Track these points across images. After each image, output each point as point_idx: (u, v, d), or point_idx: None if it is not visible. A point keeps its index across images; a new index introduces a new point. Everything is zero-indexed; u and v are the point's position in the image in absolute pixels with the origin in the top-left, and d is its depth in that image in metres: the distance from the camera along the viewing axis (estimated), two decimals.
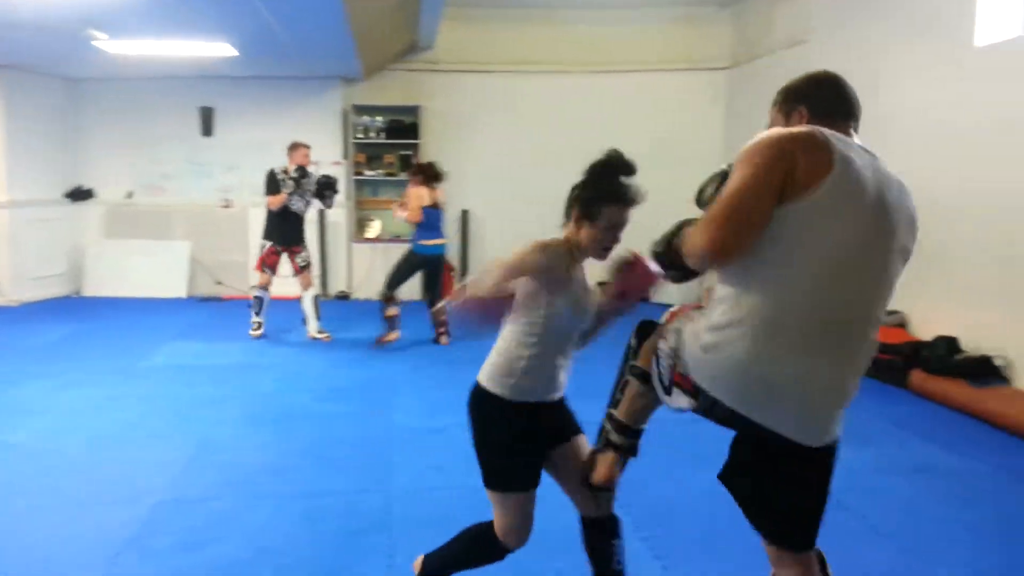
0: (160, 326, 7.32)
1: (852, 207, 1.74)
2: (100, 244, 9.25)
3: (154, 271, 9.09)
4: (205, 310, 8.41)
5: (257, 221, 9.22)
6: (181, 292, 9.09)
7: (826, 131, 1.81)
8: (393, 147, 9.34)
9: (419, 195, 6.51)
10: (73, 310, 8.09)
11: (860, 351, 1.84)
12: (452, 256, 9.59)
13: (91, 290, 8.97)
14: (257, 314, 6.98)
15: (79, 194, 9.19)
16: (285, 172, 6.85)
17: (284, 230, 6.90)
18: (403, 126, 9.30)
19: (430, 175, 6.63)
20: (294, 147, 6.96)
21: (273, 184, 6.84)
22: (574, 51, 9.26)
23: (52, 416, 4.53)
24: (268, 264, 6.92)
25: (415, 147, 9.23)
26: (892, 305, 6.18)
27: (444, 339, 6.76)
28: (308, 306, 6.99)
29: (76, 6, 5.46)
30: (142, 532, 3.12)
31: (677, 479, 3.71)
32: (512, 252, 2.12)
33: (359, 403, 4.99)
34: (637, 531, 3.16)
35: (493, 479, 2.26)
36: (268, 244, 6.92)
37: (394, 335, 6.68)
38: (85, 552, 2.95)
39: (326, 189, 6.95)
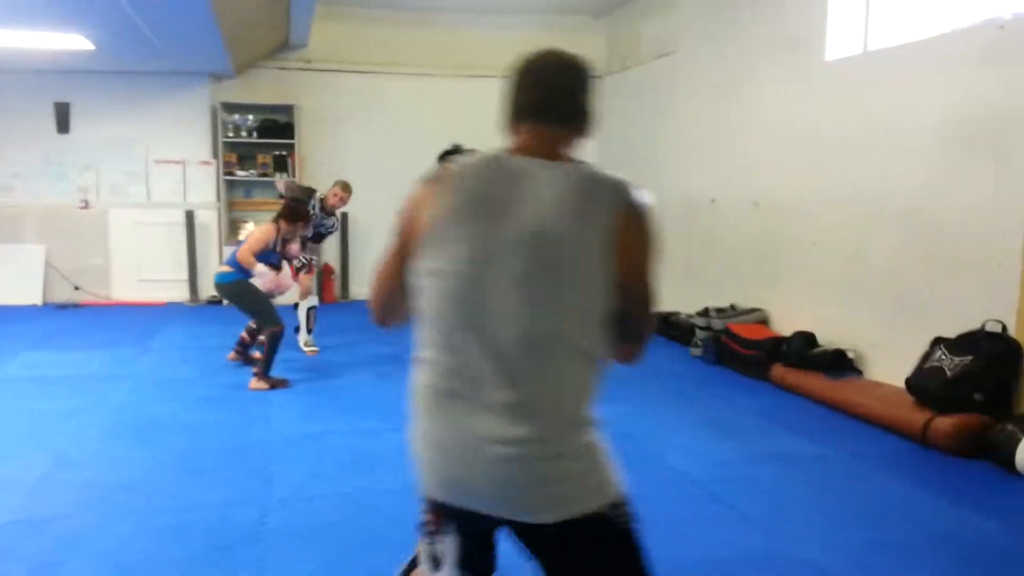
0: (12, 335, 6.79)
1: (453, 240, 1.44)
2: None
3: (5, 276, 8.41)
4: (62, 317, 7.86)
5: (117, 223, 8.75)
6: (36, 299, 8.46)
7: (449, 164, 1.55)
8: (266, 147, 9.05)
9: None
10: None
11: (531, 393, 1.42)
12: (333, 259, 9.40)
13: None
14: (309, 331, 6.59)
15: None
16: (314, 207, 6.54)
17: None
18: (277, 125, 9.04)
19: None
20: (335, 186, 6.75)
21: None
22: (448, 54, 9.29)
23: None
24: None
25: (290, 147, 8.98)
26: (755, 302, 6.56)
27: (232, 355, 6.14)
28: (302, 314, 6.58)
29: None
30: None
31: None
32: None
33: (231, 412, 4.79)
34: None
35: None
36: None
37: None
38: None
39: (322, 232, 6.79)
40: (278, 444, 4.22)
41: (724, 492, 3.62)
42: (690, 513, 3.39)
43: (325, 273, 9.28)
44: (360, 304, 9.10)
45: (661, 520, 3.30)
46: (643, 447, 4.23)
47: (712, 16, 7.10)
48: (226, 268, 5.58)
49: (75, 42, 6.68)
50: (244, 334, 6.06)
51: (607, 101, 9.39)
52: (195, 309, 8.59)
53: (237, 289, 5.51)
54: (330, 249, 9.43)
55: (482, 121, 9.69)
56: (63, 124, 8.63)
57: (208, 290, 8.90)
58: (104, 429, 4.39)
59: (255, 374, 5.39)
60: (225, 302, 6.55)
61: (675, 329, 7.03)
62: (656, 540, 3.08)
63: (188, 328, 7.45)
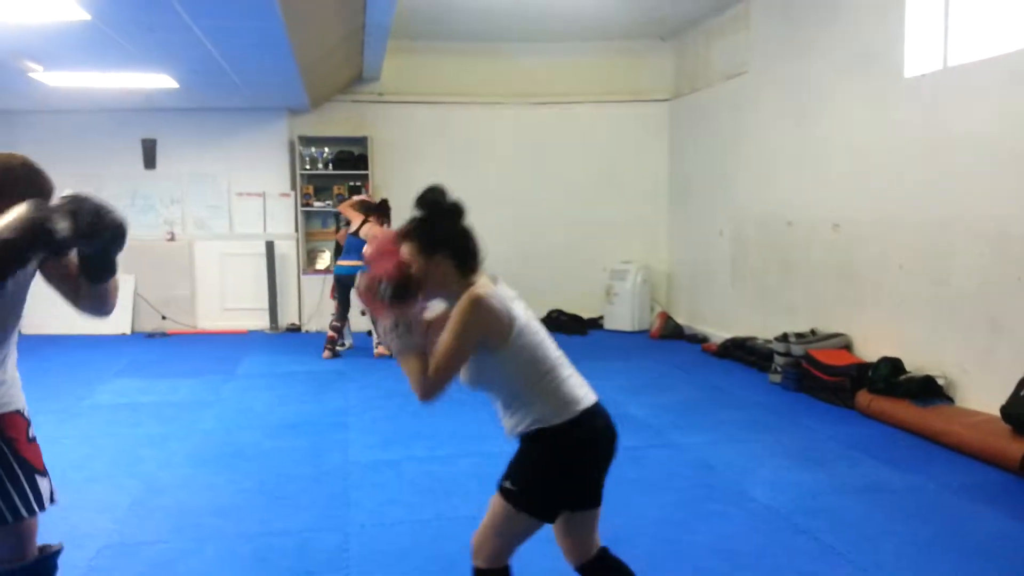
0: (102, 363, 7.10)
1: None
2: (36, 280, 8.94)
3: (117, 295, 8.82)
4: (150, 346, 8.19)
5: (202, 255, 9.11)
6: (125, 328, 8.84)
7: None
8: (342, 178, 9.29)
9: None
10: None
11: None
12: None
13: (29, 327, 8.64)
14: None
15: None
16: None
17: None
18: (352, 157, 9.27)
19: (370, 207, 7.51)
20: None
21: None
22: (519, 82, 9.39)
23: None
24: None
25: (363, 178, 9.20)
26: (836, 327, 6.34)
27: (326, 353, 7.39)
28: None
29: (8, 36, 5.33)
30: None
31: (627, 505, 3.72)
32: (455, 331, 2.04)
33: (311, 438, 4.89)
34: None
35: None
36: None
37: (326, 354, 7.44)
38: None
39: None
40: (356, 470, 4.28)
41: (809, 524, 3.50)
42: (774, 546, 3.29)
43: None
44: None
45: (744, 553, 3.22)
46: (723, 478, 4.13)
47: (784, 35, 7.01)
48: (354, 262, 6.88)
49: (161, 81, 7.02)
50: (331, 333, 7.42)
51: (675, 124, 9.35)
52: (275, 337, 8.83)
53: None
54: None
55: (550, 147, 9.83)
56: (150, 160, 9.06)
57: (288, 318, 9.15)
58: (191, 455, 4.54)
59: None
60: (331, 295, 7.85)
61: (752, 355, 6.88)
62: (743, 574, 3.02)
63: (269, 356, 7.67)
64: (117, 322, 8.83)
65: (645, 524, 3.51)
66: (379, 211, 7.34)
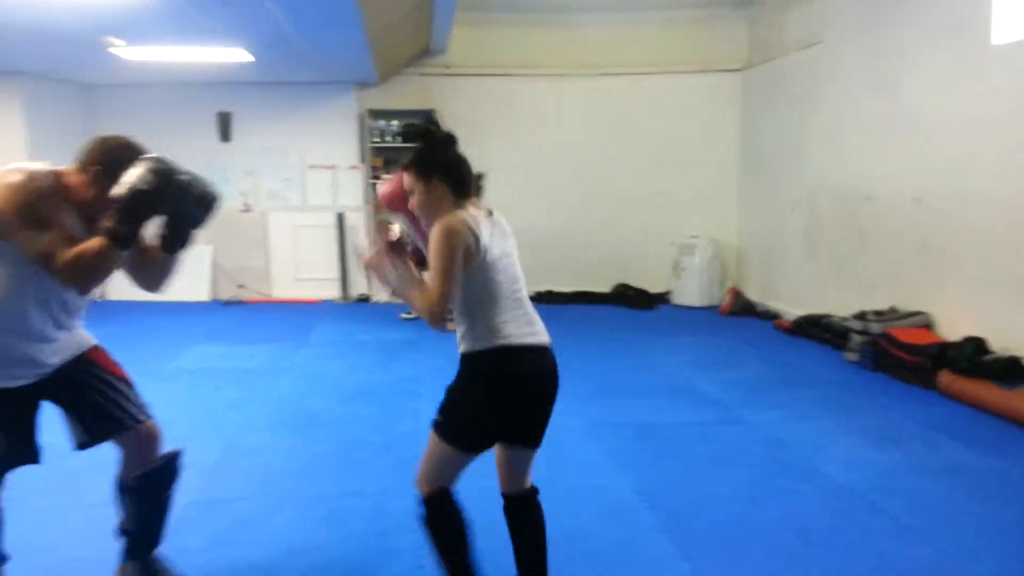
0: (185, 330, 7.38)
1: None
2: None
3: (179, 275, 9.15)
4: (228, 314, 8.47)
5: (276, 226, 9.35)
6: (204, 296, 9.16)
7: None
8: (409, 151, 9.33)
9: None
10: (99, 314, 8.07)
11: None
12: None
13: (116, 294, 9.04)
14: None
15: None
16: None
17: None
18: None
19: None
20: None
21: None
22: (586, 54, 9.27)
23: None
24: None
25: None
26: (916, 305, 6.13)
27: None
28: None
29: (92, 13, 5.51)
30: (174, 531, 3.12)
31: (698, 481, 3.70)
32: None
33: (382, 406, 5.00)
34: (664, 532, 3.16)
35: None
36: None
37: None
38: (115, 550, 2.97)
39: None
40: (426, 438, 4.35)
41: (886, 504, 3.42)
42: (848, 525, 3.23)
43: None
44: None
45: (817, 531, 3.17)
46: (796, 455, 4.07)
47: (863, 2, 6.73)
48: None
49: (237, 55, 7.17)
50: None
51: (747, 95, 9.11)
52: (346, 306, 9.03)
53: None
54: None
55: (618, 119, 9.71)
56: (225, 133, 9.29)
57: (358, 288, 9.33)
58: (269, 419, 4.70)
59: None
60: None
61: (827, 332, 6.71)
62: (815, 551, 2.99)
63: (340, 325, 7.84)
64: (197, 290, 9.15)
65: (714, 500, 3.49)
66: None
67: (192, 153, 9.20)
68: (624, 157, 9.43)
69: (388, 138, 9.36)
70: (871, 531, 3.18)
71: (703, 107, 9.34)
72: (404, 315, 7.91)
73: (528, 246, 9.17)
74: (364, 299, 9.31)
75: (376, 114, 9.31)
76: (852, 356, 6.08)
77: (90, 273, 2.18)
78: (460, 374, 2.27)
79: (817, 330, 6.89)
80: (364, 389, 5.41)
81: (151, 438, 2.56)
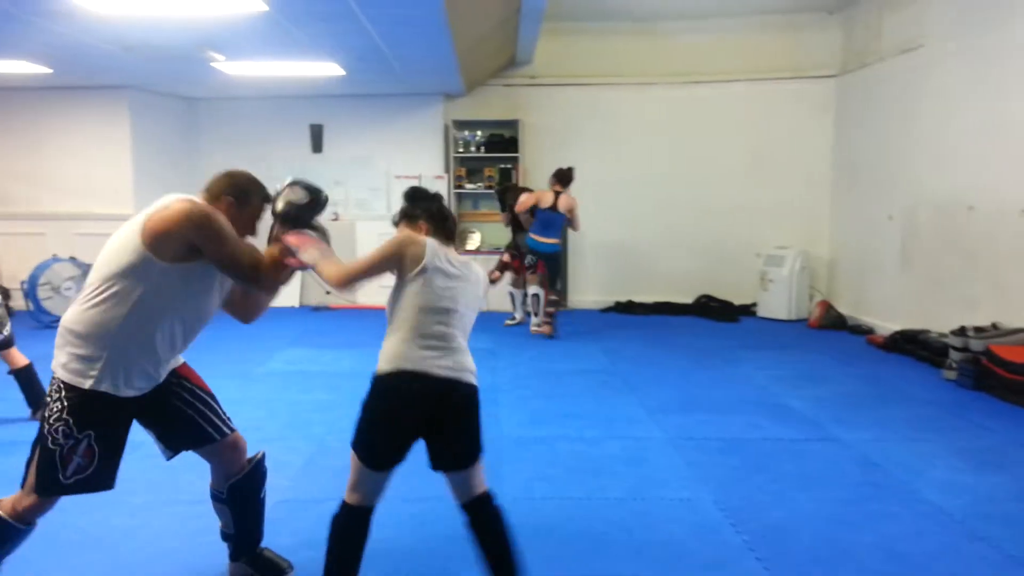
0: (275, 334, 7.63)
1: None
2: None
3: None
4: (316, 319, 8.73)
5: (363, 234, 9.59)
6: (294, 301, 9.47)
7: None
8: (493, 160, 9.46)
9: (538, 195, 7.35)
10: None
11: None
12: None
13: None
14: (535, 314, 7.79)
15: None
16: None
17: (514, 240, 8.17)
18: (503, 140, 9.42)
19: (562, 178, 7.40)
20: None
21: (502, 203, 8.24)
22: (673, 61, 9.18)
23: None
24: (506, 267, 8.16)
25: (514, 160, 9.33)
26: (1020, 321, 5.83)
27: (546, 328, 7.35)
28: (530, 301, 7.83)
29: (197, 30, 5.79)
30: (265, 530, 3.25)
31: (787, 501, 3.59)
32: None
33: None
34: (752, 551, 3.08)
35: None
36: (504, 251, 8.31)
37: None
38: (208, 547, 3.09)
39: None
40: (507, 445, 4.38)
41: (988, 531, 3.25)
42: (948, 552, 3.08)
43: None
44: (582, 312, 9.24)
45: (915, 557, 3.04)
46: (892, 477, 3.90)
47: (967, 5, 6.44)
48: (556, 239, 7.32)
49: (330, 69, 7.41)
50: (550, 309, 7.46)
51: (841, 102, 8.83)
52: None
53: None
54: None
55: (704, 127, 9.57)
56: (317, 144, 9.60)
57: None
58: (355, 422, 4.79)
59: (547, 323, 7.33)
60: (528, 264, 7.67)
61: (924, 348, 6.43)
62: None
63: None
64: (287, 295, 9.46)
65: (806, 520, 3.38)
66: (562, 179, 7.42)
67: (285, 163, 9.58)
68: (710, 165, 9.28)
69: (472, 148, 9.49)
70: (972, 559, 3.02)
71: (794, 114, 9.11)
72: (535, 328, 7.72)
73: (608, 256, 9.14)
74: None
75: (461, 125, 9.44)
76: (950, 374, 5.79)
77: (284, 278, 2.61)
78: (367, 393, 2.41)
79: (913, 346, 6.60)
80: None
81: (239, 448, 2.72)
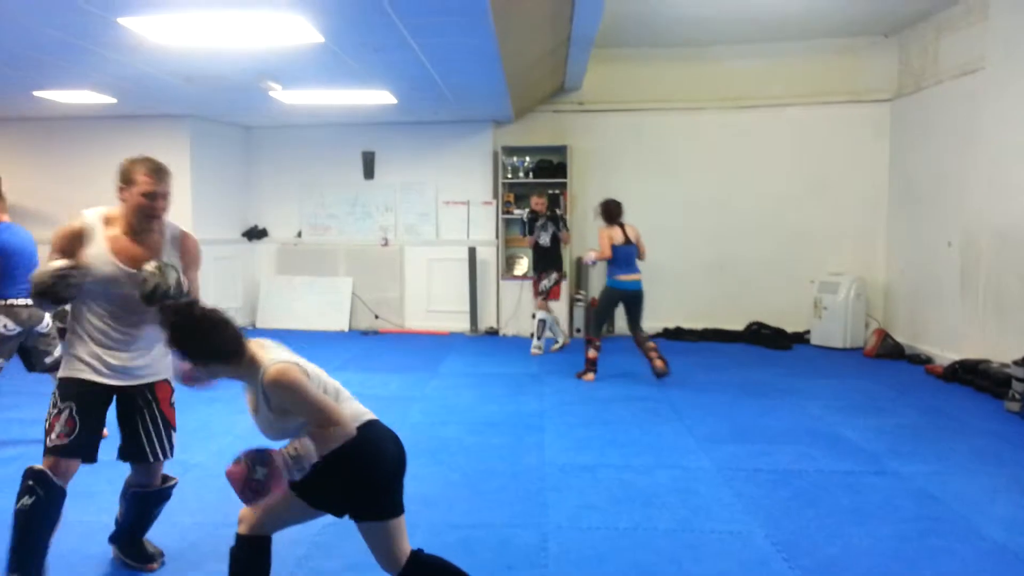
0: (324, 357, 7.64)
1: None
2: (272, 280, 9.95)
3: (320, 306, 9.68)
4: (364, 343, 8.82)
5: (412, 259, 9.70)
6: (343, 326, 9.60)
7: None
8: (541, 186, 9.49)
9: (608, 235, 6.76)
10: None
11: None
12: (597, 292, 9.58)
13: (264, 322, 9.63)
14: (538, 337, 7.95)
15: (255, 233, 9.96)
16: (523, 216, 8.38)
17: (537, 261, 8.27)
18: (551, 165, 9.46)
19: (612, 213, 6.87)
20: (535, 195, 8.50)
21: (530, 227, 8.23)
22: (724, 86, 9.14)
23: (229, 438, 4.86)
24: (536, 291, 8.13)
25: (562, 186, 9.35)
26: None
27: (659, 363, 6.68)
28: (536, 325, 8.02)
29: (255, 60, 5.97)
30: (312, 553, 3.28)
31: (841, 535, 3.49)
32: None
33: (509, 437, 5.03)
34: None
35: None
36: (533, 275, 8.30)
37: (590, 376, 6.80)
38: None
39: (554, 223, 8.19)
40: (553, 472, 4.35)
41: None
42: None
43: (591, 307, 9.47)
44: (629, 339, 9.17)
45: None
46: (952, 511, 3.76)
47: None
48: (637, 275, 6.76)
49: (382, 97, 7.55)
50: (593, 353, 6.82)
51: (897, 126, 8.66)
52: (474, 339, 9.19)
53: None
54: (597, 283, 9.63)
55: (756, 152, 9.48)
56: (369, 170, 9.77)
57: (487, 321, 9.49)
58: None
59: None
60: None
61: (985, 379, 6.21)
62: None
63: (469, 357, 8.00)
64: (337, 319, 9.61)
65: (861, 555, 3.27)
66: (604, 213, 6.87)
67: (338, 189, 9.80)
68: (760, 191, 9.17)
69: (520, 174, 9.55)
70: None
71: (848, 139, 8.97)
72: (534, 350, 7.95)
73: (656, 281, 8.95)
74: (493, 332, 9.45)
75: (509, 151, 9.51)
76: (1013, 405, 5.58)
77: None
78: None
79: (974, 376, 6.38)
80: (492, 420, 5.47)
81: (158, 471, 3.07)
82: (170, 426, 3.03)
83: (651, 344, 6.80)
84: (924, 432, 5.19)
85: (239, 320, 9.85)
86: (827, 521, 3.65)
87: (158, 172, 2.84)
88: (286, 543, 3.35)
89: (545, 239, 8.08)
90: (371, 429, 2.49)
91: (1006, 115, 6.55)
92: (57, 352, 4.84)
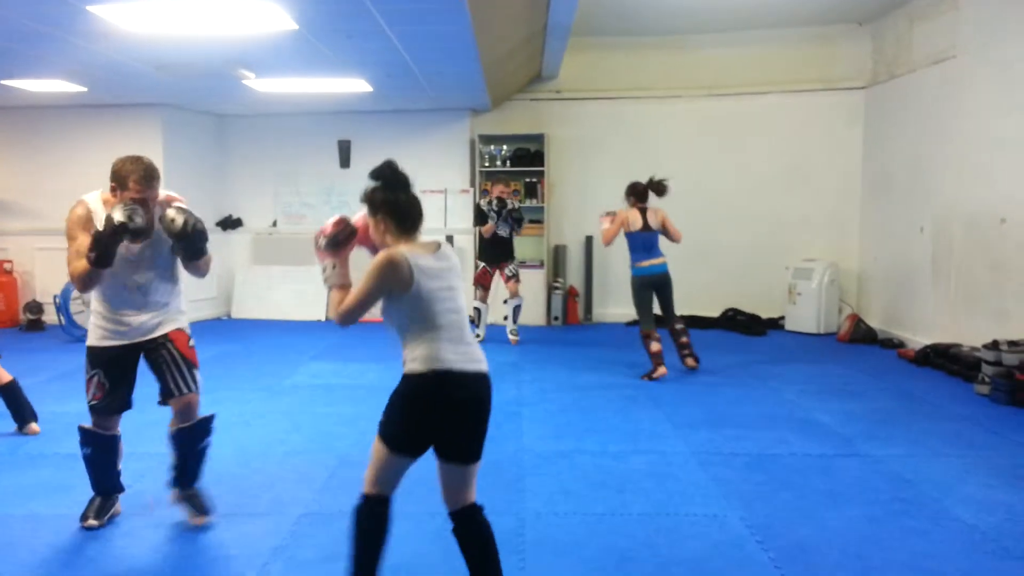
0: (301, 347, 7.70)
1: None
2: (247, 270, 9.86)
3: (296, 295, 9.61)
4: (341, 333, 8.76)
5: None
6: (320, 315, 9.54)
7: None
8: (518, 174, 9.49)
9: (623, 219, 6.43)
10: (223, 331, 8.66)
11: None
12: (577, 281, 9.61)
13: (240, 312, 9.57)
14: (476, 325, 7.88)
15: (229, 223, 9.86)
16: (489, 204, 7.82)
17: (493, 252, 7.94)
18: (528, 154, 9.45)
19: (638, 194, 6.50)
20: (495, 183, 8.39)
21: (482, 216, 7.84)
22: (699, 74, 9.17)
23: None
24: (481, 282, 7.98)
25: (539, 174, 9.35)
26: None
27: (690, 361, 6.51)
28: (510, 310, 7.89)
29: (228, 48, 5.90)
30: (288, 543, 3.27)
31: (815, 518, 3.54)
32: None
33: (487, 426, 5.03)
34: (779, 569, 3.03)
35: None
36: (481, 265, 8.07)
37: (662, 370, 6.30)
38: (233, 561, 3.12)
39: (512, 219, 7.83)
40: (530, 459, 4.37)
41: (1021, 549, 3.17)
42: (980, 571, 3.01)
43: (570, 295, 9.50)
44: (607, 326, 9.22)
45: (947, 575, 2.97)
46: (923, 493, 3.83)
47: (1002, 14, 6.35)
48: (662, 258, 6.48)
49: (357, 85, 7.50)
50: (656, 346, 6.30)
51: (871, 114, 8.74)
52: None
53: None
54: (575, 271, 9.66)
55: (731, 140, 9.52)
56: (345, 159, 9.71)
57: (466, 309, 9.46)
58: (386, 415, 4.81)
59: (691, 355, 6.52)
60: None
61: (956, 363, 6.31)
62: None
63: None
64: (313, 309, 9.55)
65: (834, 537, 3.32)
66: (633, 192, 6.54)
67: (314, 179, 9.71)
68: (735, 179, 9.23)
69: (498, 162, 9.53)
70: None
71: (823, 127, 9.04)
72: (512, 336, 7.96)
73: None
74: (470, 320, 9.44)
75: (487, 139, 9.49)
76: (983, 389, 5.68)
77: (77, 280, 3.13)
78: (400, 389, 2.47)
79: (945, 360, 6.49)
80: None
81: (190, 406, 3.36)
82: (191, 365, 3.35)
83: (685, 340, 6.54)
84: (897, 415, 5.28)
85: (213, 311, 9.77)
86: (801, 504, 3.70)
87: (147, 180, 3.13)
88: (260, 534, 3.35)
89: (505, 230, 7.86)
90: (440, 377, 2.44)
91: (976, 103, 6.64)
92: None
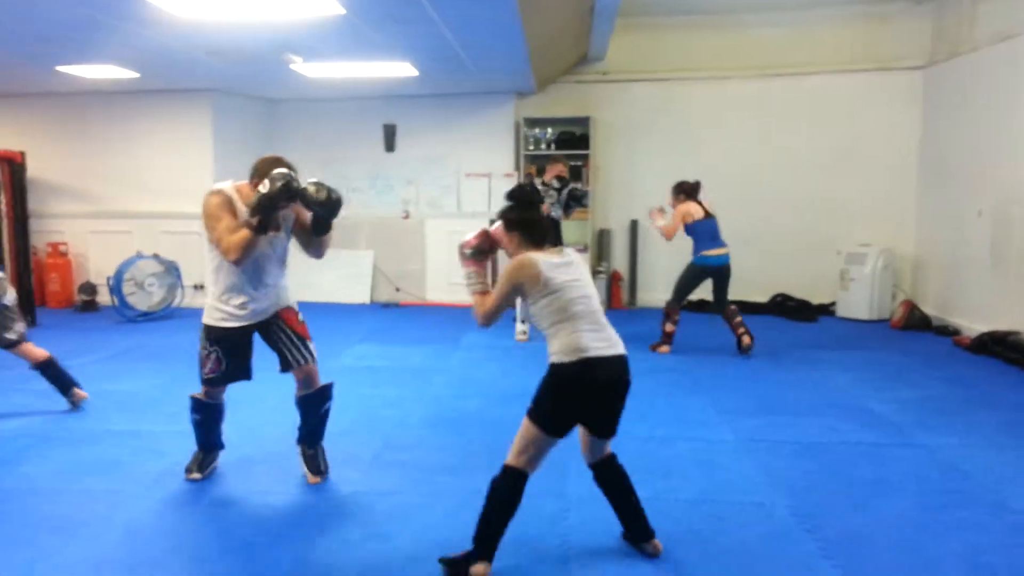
0: (347, 330, 7.79)
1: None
2: (294, 253, 9.96)
3: (341, 279, 9.72)
4: (386, 316, 8.86)
5: (433, 232, 9.67)
6: (365, 298, 9.65)
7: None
8: (563, 158, 9.40)
9: (683, 212, 6.69)
10: None
11: None
12: (621, 266, 9.54)
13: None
14: (523, 321, 7.48)
15: None
16: (545, 184, 7.34)
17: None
18: (573, 137, 9.37)
19: (687, 191, 6.83)
20: (553, 162, 8.02)
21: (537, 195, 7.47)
22: (751, 55, 8.97)
23: (253, 410, 4.91)
24: None
25: (584, 157, 9.27)
26: None
27: (747, 339, 6.62)
28: (520, 307, 7.56)
29: (276, 33, 5.95)
30: (335, 521, 3.32)
31: (865, 507, 3.46)
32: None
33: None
34: (828, 559, 2.98)
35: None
36: None
37: (666, 348, 6.81)
38: (281, 537, 3.18)
39: (572, 200, 7.41)
40: (574, 443, 4.31)
41: None
42: None
43: (614, 280, 9.44)
44: (652, 311, 9.14)
45: (1004, 570, 2.89)
46: (979, 484, 3.72)
47: None
48: (725, 248, 6.68)
49: (403, 69, 7.51)
50: (671, 327, 6.80)
51: (930, 95, 8.47)
52: None
53: None
54: (619, 255, 9.58)
55: (782, 122, 9.30)
56: (390, 143, 9.75)
57: None
58: (424, 417, 4.86)
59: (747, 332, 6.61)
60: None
61: (1014, 351, 6.11)
62: None
63: (490, 329, 7.93)
64: (358, 292, 9.66)
65: (885, 527, 3.24)
66: (682, 190, 6.90)
67: (359, 163, 9.78)
68: (788, 160, 9.04)
69: (543, 146, 9.47)
70: None
71: (879, 108, 8.79)
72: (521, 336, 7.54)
73: (678, 254, 8.72)
74: (512, 304, 9.43)
75: (531, 122, 9.43)
76: None
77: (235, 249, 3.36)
78: (549, 378, 2.82)
79: (1003, 348, 6.29)
80: (514, 392, 5.45)
81: (311, 376, 3.75)
82: (304, 338, 3.70)
83: (739, 319, 6.70)
84: (951, 404, 5.13)
85: None
86: (851, 493, 3.63)
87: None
88: (307, 512, 3.40)
89: (558, 212, 7.60)
90: (585, 364, 2.76)
91: None
92: (19, 329, 4.75)
